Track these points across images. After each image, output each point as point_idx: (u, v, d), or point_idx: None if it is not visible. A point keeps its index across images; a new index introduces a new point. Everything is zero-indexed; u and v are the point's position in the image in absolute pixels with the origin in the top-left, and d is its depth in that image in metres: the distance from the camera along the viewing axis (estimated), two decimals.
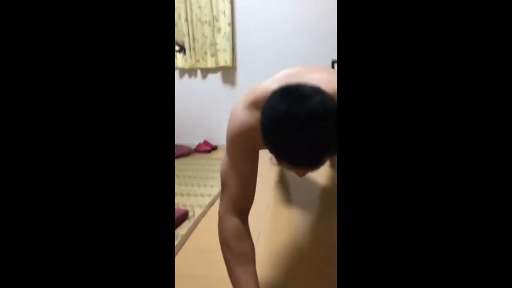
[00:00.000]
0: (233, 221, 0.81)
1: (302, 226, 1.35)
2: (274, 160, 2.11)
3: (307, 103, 0.56)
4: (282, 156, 0.60)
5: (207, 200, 1.62)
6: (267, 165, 2.16)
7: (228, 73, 2.55)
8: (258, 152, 0.84)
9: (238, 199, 0.83)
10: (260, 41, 2.44)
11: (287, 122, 0.57)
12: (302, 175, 0.68)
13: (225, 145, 0.87)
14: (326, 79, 0.76)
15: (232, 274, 0.77)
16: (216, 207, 1.56)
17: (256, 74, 2.50)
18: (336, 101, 0.64)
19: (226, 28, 2.37)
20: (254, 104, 0.79)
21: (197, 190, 1.77)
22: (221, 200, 0.85)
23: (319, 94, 0.58)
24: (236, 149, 0.82)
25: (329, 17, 2.30)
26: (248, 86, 2.54)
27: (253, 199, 0.86)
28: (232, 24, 2.42)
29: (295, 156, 0.59)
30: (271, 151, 0.62)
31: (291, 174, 2.00)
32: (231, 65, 2.46)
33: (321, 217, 1.41)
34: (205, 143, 2.62)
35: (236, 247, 0.79)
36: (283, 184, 1.85)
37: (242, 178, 0.82)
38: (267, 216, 1.39)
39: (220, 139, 2.69)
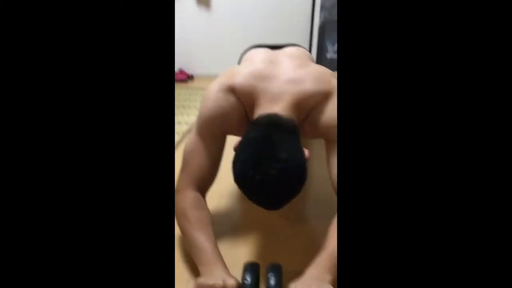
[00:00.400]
0: (192, 194, 0.81)
1: (271, 217, 1.06)
2: None
3: (269, 172, 0.63)
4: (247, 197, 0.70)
5: (185, 128, 1.58)
6: None
7: None
8: (226, 136, 0.85)
9: (201, 178, 0.82)
10: None
11: (246, 184, 0.67)
12: None
13: (195, 124, 0.85)
14: (297, 79, 0.81)
15: (189, 238, 0.75)
16: None
17: None
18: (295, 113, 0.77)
19: None
20: (229, 89, 0.80)
21: (175, 118, 1.71)
22: (180, 176, 0.83)
23: (284, 157, 0.64)
24: (206, 131, 0.82)
25: None
26: (225, 7, 2.36)
27: (214, 179, 0.85)
28: None
29: (256, 203, 0.69)
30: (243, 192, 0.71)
31: None
32: None
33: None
34: (181, 72, 2.50)
35: (194, 214, 0.77)
36: None
37: (209, 159, 0.82)
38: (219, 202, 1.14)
39: (196, 67, 2.57)
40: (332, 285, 0.61)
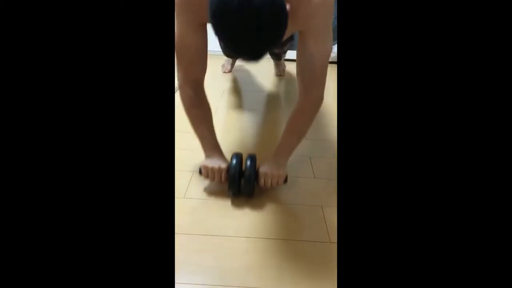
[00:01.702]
0: (188, 92, 0.97)
1: (250, 128, 1.48)
2: (225, 67, 2.10)
3: (251, 5, 0.58)
4: (225, 44, 0.66)
5: None
6: (217, 72, 2.16)
7: None
8: (206, 26, 0.88)
9: (192, 72, 0.96)
10: None
11: (224, 15, 0.61)
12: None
13: (176, 17, 0.88)
14: None
15: (195, 131, 1.03)
16: None
17: None
18: None
19: None
20: None
21: None
22: (178, 72, 0.96)
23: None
24: (183, 19, 0.86)
25: None
26: None
27: (205, 70, 0.99)
28: None
29: (235, 48, 0.65)
30: (220, 39, 0.67)
31: (242, 86, 2.04)
32: None
33: (268, 117, 1.57)
34: None
35: (195, 112, 1.00)
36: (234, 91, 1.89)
37: (193, 52, 0.92)
38: (216, 121, 1.41)
39: None
40: (282, 164, 1.00)
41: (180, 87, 0.98)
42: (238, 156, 1.00)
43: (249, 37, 0.63)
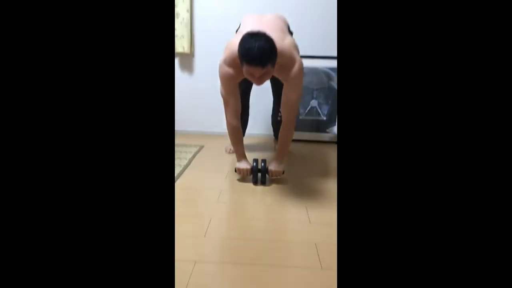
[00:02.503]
0: (234, 122, 1.68)
1: (253, 210, 1.49)
2: (229, 149, 2.22)
3: (258, 43, 1.31)
4: (247, 62, 1.33)
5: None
6: (221, 153, 2.25)
7: (186, 60, 2.57)
8: (238, 85, 1.60)
9: (235, 112, 1.66)
10: (218, 28, 2.48)
11: (248, 50, 1.32)
12: (258, 78, 1.37)
13: (220, 82, 1.61)
14: (276, 36, 1.43)
15: (233, 147, 1.77)
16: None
17: (214, 60, 2.54)
18: (275, 44, 1.38)
19: (184, 14, 2.38)
20: (232, 62, 1.48)
21: None
22: (225, 111, 1.67)
23: (265, 38, 1.34)
24: (225, 86, 1.58)
25: (286, 6, 2.40)
26: (206, 73, 2.58)
27: (240, 109, 1.67)
28: (191, 10, 2.43)
29: (251, 61, 1.31)
30: (241, 58, 1.36)
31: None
32: (189, 51, 2.48)
33: (273, 201, 1.58)
34: None
35: (234, 136, 1.73)
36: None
37: (235, 103, 1.63)
38: (219, 202, 1.54)
39: (181, 125, 2.71)
40: (280, 162, 1.74)
41: (227, 121, 1.68)
42: (256, 160, 1.75)
43: (259, 54, 1.32)
